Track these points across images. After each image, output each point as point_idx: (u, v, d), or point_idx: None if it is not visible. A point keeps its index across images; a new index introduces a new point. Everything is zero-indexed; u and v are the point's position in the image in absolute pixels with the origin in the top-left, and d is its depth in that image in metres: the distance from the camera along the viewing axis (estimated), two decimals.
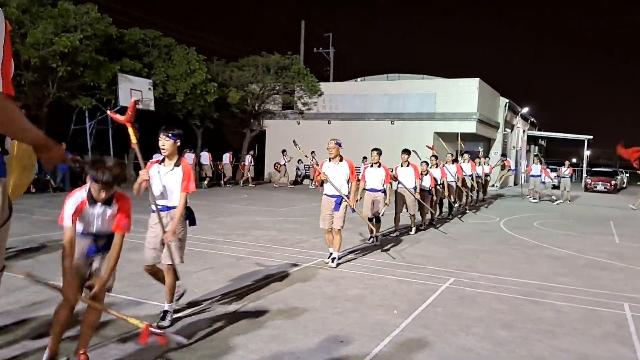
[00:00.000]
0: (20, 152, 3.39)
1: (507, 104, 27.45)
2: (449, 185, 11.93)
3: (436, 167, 11.40)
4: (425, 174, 10.51)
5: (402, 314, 4.88)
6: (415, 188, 9.57)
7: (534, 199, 19.37)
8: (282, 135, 25.47)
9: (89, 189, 2.99)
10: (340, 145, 7.00)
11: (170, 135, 4.30)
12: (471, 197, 14.87)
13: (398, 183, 9.53)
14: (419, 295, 5.58)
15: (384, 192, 8.43)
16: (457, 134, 14.88)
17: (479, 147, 24.53)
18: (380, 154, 8.54)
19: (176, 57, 19.58)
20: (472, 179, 14.67)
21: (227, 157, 22.08)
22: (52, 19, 14.93)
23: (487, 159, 18.62)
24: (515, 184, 28.54)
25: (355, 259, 7.43)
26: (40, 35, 14.44)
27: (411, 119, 23.69)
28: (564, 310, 5.25)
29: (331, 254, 6.93)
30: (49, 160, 1.96)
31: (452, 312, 5.03)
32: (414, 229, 9.99)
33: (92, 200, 3.03)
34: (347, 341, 4.13)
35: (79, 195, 3.03)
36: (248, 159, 22.34)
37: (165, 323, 4.26)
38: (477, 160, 17.12)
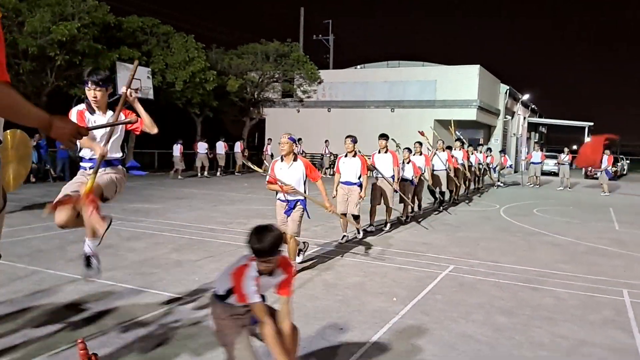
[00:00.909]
0: (16, 142, 3.37)
1: (508, 91, 27.35)
2: (432, 174, 11.17)
3: (420, 154, 10.45)
4: (407, 162, 9.65)
5: (401, 301, 4.90)
6: (393, 177, 8.67)
7: (534, 185, 19.42)
8: (281, 124, 25.43)
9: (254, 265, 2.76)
10: (294, 141, 5.93)
11: (99, 82, 3.98)
12: (463, 187, 14.04)
13: (375, 172, 8.65)
14: (418, 282, 5.59)
15: (360, 185, 7.50)
16: (450, 121, 14.43)
17: (480, 136, 24.51)
18: (355, 141, 7.58)
19: (175, 45, 19.47)
20: (465, 167, 13.78)
21: (221, 146, 21.82)
22: (49, 7, 14.82)
23: (486, 147, 18.41)
24: (515, 172, 28.55)
25: (354, 246, 7.44)
26: (37, 23, 14.35)
27: (411, 107, 23.63)
28: (563, 296, 5.27)
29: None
30: (63, 136, 1.92)
31: (452, 299, 5.05)
32: (388, 225, 9.04)
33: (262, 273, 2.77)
34: (347, 328, 4.15)
35: (249, 273, 2.77)
36: (238, 147, 22.02)
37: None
38: (479, 148, 17.05)
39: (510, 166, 23.53)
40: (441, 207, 11.70)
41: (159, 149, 22.68)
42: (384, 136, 8.76)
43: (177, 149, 19.05)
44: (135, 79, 17.81)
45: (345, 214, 7.48)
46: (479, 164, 16.18)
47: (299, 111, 25.92)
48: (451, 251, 7.31)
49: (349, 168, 7.60)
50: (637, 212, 12.97)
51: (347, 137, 7.65)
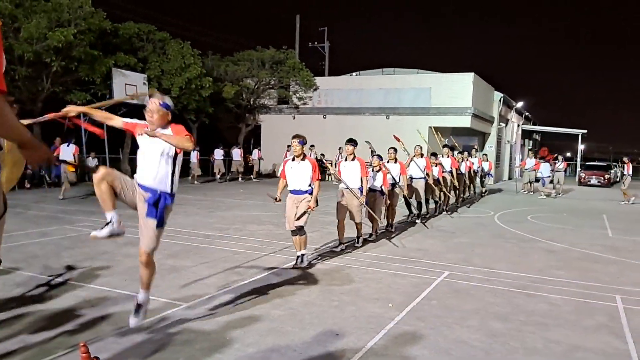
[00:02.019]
0: (11, 145, 3.39)
1: (502, 99, 27.51)
2: (408, 185, 10.11)
3: (395, 161, 9.37)
4: (377, 171, 8.46)
5: (397, 307, 4.93)
6: (361, 189, 7.56)
7: (528, 192, 19.52)
8: (277, 130, 25.46)
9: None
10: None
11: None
12: (448, 196, 12.72)
13: (339, 182, 7.70)
14: (414, 288, 5.63)
15: (311, 193, 6.44)
16: (431, 127, 14.07)
17: (475, 143, 24.61)
18: (303, 143, 6.47)
19: (171, 52, 19.49)
20: (453, 175, 12.83)
21: (237, 153, 21.85)
22: (45, 13, 14.82)
23: (480, 152, 18.39)
24: (509, 178, 28.68)
25: (350, 252, 7.47)
26: (34, 29, 14.35)
27: (406, 114, 23.71)
28: (557, 302, 5.32)
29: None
30: (33, 159, 1.97)
31: (447, 305, 5.09)
32: (360, 239, 8.04)
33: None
34: (343, 334, 4.18)
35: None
36: (237, 154, 22.02)
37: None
38: (473, 152, 16.78)
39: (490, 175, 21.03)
40: (419, 220, 10.61)
41: None
42: (351, 141, 7.72)
43: (193, 155, 19.87)
44: (131, 85, 17.90)
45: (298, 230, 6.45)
46: (473, 170, 15.56)
47: (294, 118, 25.94)
48: (446, 257, 7.35)
49: (298, 174, 6.49)
50: (630, 219, 13.06)
51: (294, 137, 6.75)
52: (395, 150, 9.56)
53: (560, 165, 19.46)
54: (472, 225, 10.84)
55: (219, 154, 20.85)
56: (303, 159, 6.46)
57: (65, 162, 12.72)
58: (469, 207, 14.24)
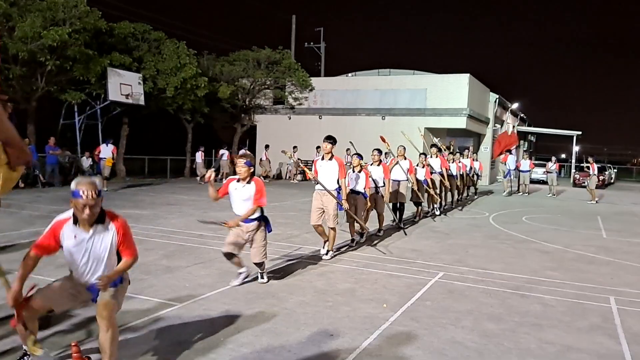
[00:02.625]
0: None
1: (497, 100, 27.60)
2: (393, 191, 9.63)
3: (379, 163, 8.72)
4: (359, 172, 7.89)
5: (391, 307, 4.94)
6: (339, 190, 6.91)
7: (523, 193, 19.60)
8: (273, 130, 25.45)
9: None
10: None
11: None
12: (436, 198, 11.91)
13: (316, 183, 6.98)
14: (408, 289, 5.63)
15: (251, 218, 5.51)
16: (419, 128, 13.62)
17: (470, 144, 24.66)
18: (249, 164, 5.35)
19: (166, 51, 19.45)
20: (443, 176, 12.32)
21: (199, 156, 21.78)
22: (40, 12, 14.77)
23: (473, 153, 17.78)
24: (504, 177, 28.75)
25: (345, 253, 7.47)
26: (28, 28, 14.29)
27: (402, 115, 23.75)
28: (551, 303, 5.33)
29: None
30: (17, 160, 1.98)
31: (441, 305, 5.09)
32: (328, 251, 7.05)
33: None
34: (338, 334, 4.17)
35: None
36: (226, 156, 21.94)
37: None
38: (465, 152, 16.36)
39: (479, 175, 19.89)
40: (401, 224, 9.75)
41: (149, 155, 22.64)
42: (329, 139, 6.94)
43: (199, 156, 20.73)
44: (126, 84, 17.91)
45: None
46: (466, 172, 15.08)
47: (290, 118, 25.94)
48: (441, 258, 7.36)
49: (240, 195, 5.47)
50: (624, 220, 13.13)
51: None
52: (380, 152, 8.92)
53: (553, 166, 19.59)
54: (466, 226, 10.86)
55: (225, 155, 21.18)
56: (249, 181, 5.39)
57: (103, 159, 15.13)
58: (461, 209, 13.85)
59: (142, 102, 18.32)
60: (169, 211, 11.17)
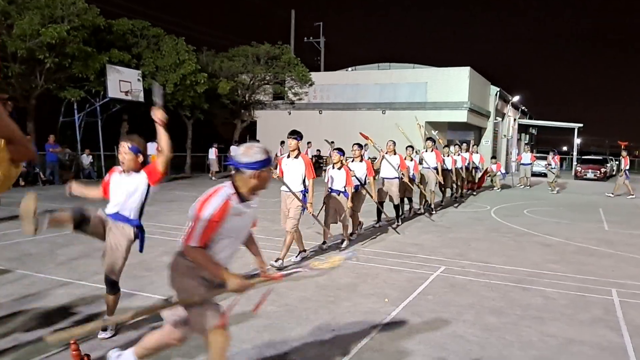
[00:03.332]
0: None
1: (498, 93, 27.55)
2: (379, 189, 9.12)
3: (360, 160, 8.04)
4: (339, 168, 7.21)
5: (393, 302, 4.93)
6: (304, 192, 6.28)
7: (525, 186, 19.57)
8: (273, 126, 25.42)
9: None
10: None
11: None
12: (425, 195, 11.36)
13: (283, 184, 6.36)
14: (409, 283, 5.62)
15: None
16: (415, 117, 13.15)
17: (471, 137, 24.62)
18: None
19: (165, 48, 19.38)
20: (437, 171, 11.59)
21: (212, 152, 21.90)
22: (38, 10, 14.72)
23: (474, 145, 16.91)
24: (506, 172, 28.74)
25: (345, 248, 7.46)
26: (27, 26, 14.24)
27: (402, 109, 23.70)
28: (553, 296, 5.32)
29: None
30: (20, 156, 1.97)
31: (443, 299, 5.08)
32: (278, 259, 6.20)
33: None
34: (339, 329, 4.17)
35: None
36: (212, 152, 21.92)
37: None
38: (463, 146, 15.17)
39: (504, 174, 20.24)
40: (394, 225, 9.28)
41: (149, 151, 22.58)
42: (295, 134, 6.34)
43: (212, 152, 21.17)
44: (125, 81, 17.80)
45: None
46: (465, 166, 14.26)
47: (290, 113, 25.92)
48: (442, 252, 7.35)
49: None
50: (626, 212, 13.10)
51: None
52: (361, 146, 8.16)
53: (552, 160, 19.50)
54: (468, 219, 10.84)
55: (212, 153, 21.33)
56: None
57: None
58: (456, 207, 12.92)
59: (141, 98, 18.27)
60: (169, 208, 11.16)
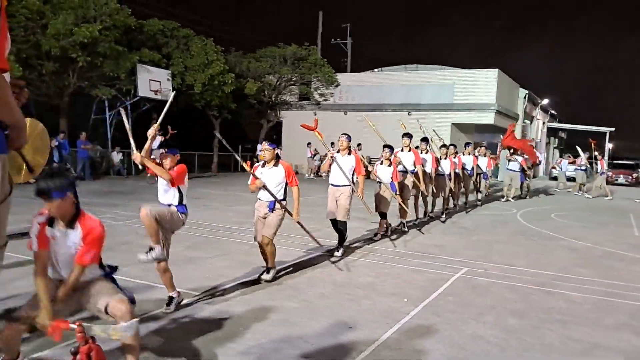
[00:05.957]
0: (35, 134, 3.44)
1: (527, 96, 27.08)
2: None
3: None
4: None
5: (413, 301, 4.89)
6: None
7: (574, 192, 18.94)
8: (298, 126, 25.47)
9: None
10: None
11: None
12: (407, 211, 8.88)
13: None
14: (430, 283, 5.57)
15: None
16: (417, 120, 12.32)
17: (498, 140, 24.21)
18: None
19: (194, 48, 19.68)
20: (430, 176, 10.10)
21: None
22: (72, 10, 15.11)
23: (480, 147, 14.97)
24: (533, 177, 28.22)
25: (366, 247, 7.43)
26: (60, 25, 14.63)
27: (429, 110, 23.49)
28: (577, 300, 5.20)
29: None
30: (16, 143, 1.98)
31: (464, 300, 5.02)
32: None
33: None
34: (356, 327, 4.15)
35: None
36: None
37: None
38: (467, 148, 13.41)
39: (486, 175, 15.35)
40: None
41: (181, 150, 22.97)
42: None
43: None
44: (155, 80, 18.08)
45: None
46: (463, 169, 12.55)
47: (315, 114, 25.88)
48: (465, 254, 7.26)
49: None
50: None
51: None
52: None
53: (583, 161, 18.89)
54: (493, 222, 10.69)
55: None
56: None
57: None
58: (444, 222, 10.41)
59: (171, 98, 18.56)
60: (194, 204, 11.29)
